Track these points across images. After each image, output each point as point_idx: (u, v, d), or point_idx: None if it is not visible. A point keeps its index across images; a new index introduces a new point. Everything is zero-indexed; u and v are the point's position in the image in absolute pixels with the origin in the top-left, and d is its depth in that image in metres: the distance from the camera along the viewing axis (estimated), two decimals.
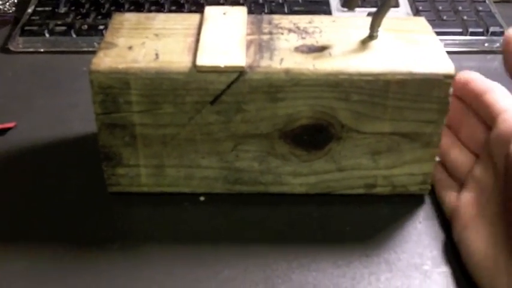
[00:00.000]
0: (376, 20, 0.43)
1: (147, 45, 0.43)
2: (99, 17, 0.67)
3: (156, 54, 0.42)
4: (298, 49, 0.43)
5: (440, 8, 0.69)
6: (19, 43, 0.65)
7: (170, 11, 0.67)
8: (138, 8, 0.68)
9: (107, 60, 0.41)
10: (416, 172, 0.45)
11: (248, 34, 0.44)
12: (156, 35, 0.44)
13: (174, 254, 0.42)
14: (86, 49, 0.64)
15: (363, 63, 0.41)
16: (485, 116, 0.42)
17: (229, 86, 0.41)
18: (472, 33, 0.65)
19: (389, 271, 0.41)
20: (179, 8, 0.68)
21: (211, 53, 0.41)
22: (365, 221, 0.45)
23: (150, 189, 0.46)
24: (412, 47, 0.43)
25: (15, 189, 0.47)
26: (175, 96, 0.41)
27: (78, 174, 0.48)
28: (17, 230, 0.44)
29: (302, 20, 0.46)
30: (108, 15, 0.66)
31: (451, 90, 0.41)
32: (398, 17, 0.48)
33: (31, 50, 0.65)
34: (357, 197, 0.46)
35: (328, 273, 0.41)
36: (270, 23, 0.46)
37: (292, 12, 0.67)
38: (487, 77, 0.61)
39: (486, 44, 0.65)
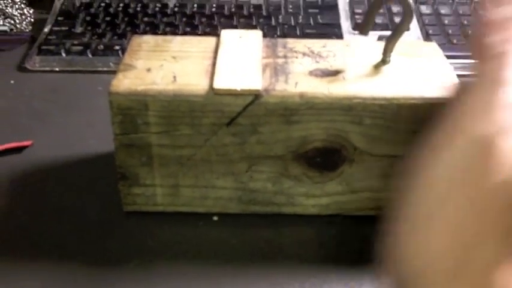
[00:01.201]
0: (389, 45, 0.44)
1: (165, 68, 0.44)
2: (115, 37, 0.68)
3: (174, 77, 0.43)
4: (312, 73, 0.43)
5: (450, 31, 0.70)
6: (36, 62, 0.66)
7: (185, 32, 0.68)
8: (153, 28, 0.69)
9: (126, 82, 0.42)
10: None
11: (264, 57, 0.45)
12: (174, 57, 0.45)
13: (189, 273, 0.43)
14: (101, 69, 0.65)
15: (376, 88, 0.42)
16: None
17: (245, 109, 0.41)
18: None
19: None
20: (193, 29, 0.69)
21: (228, 76, 0.42)
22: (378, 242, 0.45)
23: (165, 208, 0.46)
24: (423, 72, 0.44)
25: (31, 208, 0.48)
26: (192, 118, 0.42)
27: (94, 193, 0.49)
28: (32, 249, 0.45)
29: (316, 44, 0.47)
30: (123, 36, 0.68)
31: None
32: (410, 42, 0.49)
33: (47, 69, 0.66)
34: (368, 218, 0.47)
35: None
36: (284, 46, 0.47)
37: (304, 34, 0.68)
38: None
39: None
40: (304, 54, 0.46)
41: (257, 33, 0.48)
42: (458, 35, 0.69)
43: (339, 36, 0.69)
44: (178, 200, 0.46)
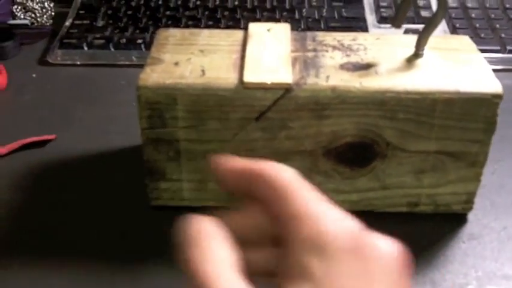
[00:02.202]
0: (422, 38, 0.43)
1: (193, 61, 0.43)
2: (137, 31, 0.67)
3: (203, 71, 0.42)
4: (343, 67, 0.43)
5: (477, 25, 0.68)
6: (58, 56, 0.66)
7: (207, 26, 0.67)
8: (175, 22, 0.68)
9: (154, 75, 0.41)
10: (461, 191, 0.44)
11: (293, 51, 0.44)
12: (202, 51, 0.44)
13: None
14: (123, 62, 0.65)
15: (409, 82, 0.41)
16: None
17: (275, 103, 0.41)
18: (510, 51, 0.65)
19: None
20: (216, 23, 0.68)
21: (257, 69, 0.41)
22: (408, 240, 0.44)
23: (192, 203, 0.46)
24: (458, 66, 0.43)
25: (55, 202, 0.48)
26: (220, 113, 0.41)
27: (118, 188, 0.49)
28: (55, 243, 0.44)
29: (346, 37, 0.46)
30: (146, 30, 0.67)
31: (498, 109, 0.41)
32: (443, 36, 0.48)
33: (69, 62, 0.65)
34: (399, 215, 0.46)
35: None
36: (313, 40, 0.46)
37: (328, 28, 0.67)
38: None
39: None
40: (334, 47, 0.45)
41: (285, 26, 0.47)
42: (485, 29, 0.68)
43: (364, 29, 0.68)
44: (205, 195, 0.45)
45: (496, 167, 0.50)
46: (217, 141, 0.43)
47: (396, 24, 0.43)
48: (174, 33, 0.47)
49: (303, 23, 0.68)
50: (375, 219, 0.45)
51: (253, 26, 0.47)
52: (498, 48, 0.65)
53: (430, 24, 0.42)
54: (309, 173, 0.44)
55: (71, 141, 0.54)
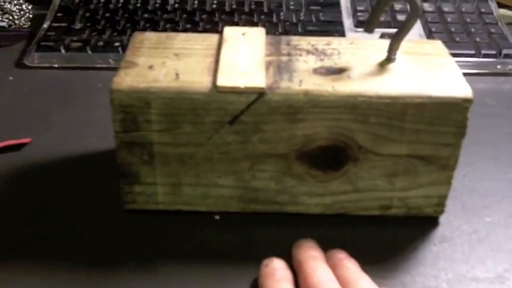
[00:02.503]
0: (394, 43, 0.43)
1: (168, 65, 0.43)
2: (115, 33, 0.67)
3: (177, 74, 0.42)
4: (316, 71, 0.43)
5: (453, 29, 0.69)
6: (35, 58, 0.65)
7: (185, 29, 0.68)
8: (154, 25, 0.68)
9: (128, 79, 0.41)
10: (432, 194, 0.45)
11: (267, 55, 0.44)
12: (176, 54, 0.44)
13: (189, 272, 0.42)
14: (101, 65, 0.64)
15: (381, 86, 0.41)
16: None
17: (248, 107, 0.41)
18: (485, 55, 0.66)
19: None
20: (194, 26, 0.68)
21: (231, 73, 0.42)
22: (380, 243, 0.45)
23: (166, 207, 0.46)
24: (429, 70, 0.43)
25: (29, 205, 0.47)
26: (194, 116, 0.41)
27: (93, 191, 0.49)
28: (31, 247, 0.44)
29: (320, 42, 0.47)
30: (123, 32, 0.67)
31: (468, 114, 0.41)
32: (415, 40, 0.48)
33: (46, 65, 0.65)
34: (371, 218, 0.46)
35: None
36: (288, 44, 0.46)
37: (306, 31, 0.68)
38: (500, 99, 0.62)
39: (499, 66, 0.66)
40: (308, 52, 0.45)
41: (260, 31, 0.47)
42: (460, 33, 0.69)
43: (341, 33, 0.68)
44: (179, 199, 0.45)
45: (468, 170, 0.51)
46: (191, 144, 0.43)
47: (369, 30, 0.44)
48: (149, 37, 0.47)
49: (281, 27, 0.68)
50: (347, 222, 0.46)
51: (228, 30, 0.47)
52: (473, 52, 0.66)
53: (402, 29, 0.42)
54: (283, 177, 0.44)
55: (47, 145, 0.54)
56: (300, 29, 0.68)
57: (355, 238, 0.45)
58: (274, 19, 0.70)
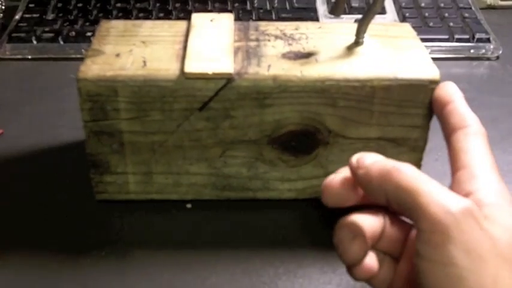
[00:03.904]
0: (361, 26, 0.43)
1: (135, 53, 0.43)
2: (87, 23, 0.66)
3: (144, 62, 0.42)
4: (285, 56, 0.43)
5: (426, 14, 0.69)
6: (6, 50, 0.65)
7: (158, 18, 0.67)
8: (126, 14, 0.68)
9: (94, 67, 0.41)
10: None
11: (235, 41, 0.44)
12: (144, 42, 0.44)
13: (162, 261, 0.42)
14: (73, 56, 0.64)
15: (349, 70, 0.41)
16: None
17: (217, 93, 0.41)
18: (458, 40, 0.66)
19: None
20: (167, 15, 0.68)
21: (199, 60, 0.41)
22: None
23: (137, 196, 0.46)
24: (397, 53, 0.43)
25: (1, 197, 0.47)
26: (163, 103, 0.41)
27: (65, 182, 0.48)
28: (1, 239, 0.44)
29: (288, 27, 0.46)
30: (96, 22, 0.66)
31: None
32: (384, 23, 0.48)
33: (18, 56, 0.64)
34: None
35: (314, 280, 0.41)
36: (256, 29, 0.46)
37: (280, 19, 0.67)
38: (473, 83, 0.62)
39: (472, 51, 0.66)
40: (276, 37, 0.45)
41: (229, 17, 0.47)
42: (434, 18, 0.69)
43: (315, 20, 0.68)
44: (151, 188, 0.45)
45: (440, 154, 0.51)
46: (161, 132, 0.43)
47: (336, 13, 0.44)
48: (116, 25, 0.46)
49: (254, 14, 0.68)
50: (320, 206, 0.46)
51: (196, 17, 0.47)
52: (447, 37, 0.66)
53: (369, 12, 0.42)
54: (255, 162, 0.44)
55: (19, 136, 0.54)
56: (273, 16, 0.68)
57: (327, 223, 0.45)
58: (248, 6, 0.69)
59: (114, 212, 0.46)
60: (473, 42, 0.66)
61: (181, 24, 0.46)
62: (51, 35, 0.65)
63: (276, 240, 0.44)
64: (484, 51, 0.66)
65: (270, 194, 0.46)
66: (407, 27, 0.47)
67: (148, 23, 0.47)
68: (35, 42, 0.64)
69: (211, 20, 0.46)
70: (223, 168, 0.44)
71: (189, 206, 0.46)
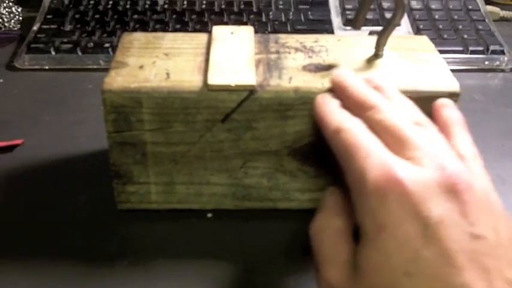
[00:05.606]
0: (381, 39, 0.44)
1: (158, 65, 0.43)
2: (105, 34, 0.67)
3: (167, 74, 0.42)
4: (305, 68, 0.43)
5: (440, 26, 0.70)
6: (25, 60, 0.65)
7: (175, 30, 0.68)
8: (143, 26, 0.68)
9: (119, 79, 0.42)
10: None
11: (256, 53, 0.45)
12: (166, 54, 0.45)
13: (183, 270, 0.43)
14: (91, 67, 0.65)
15: None
16: None
17: (239, 105, 0.41)
18: (472, 52, 0.67)
19: None
20: (184, 27, 0.68)
21: (221, 72, 0.42)
22: None
23: (159, 206, 0.46)
24: (416, 65, 0.44)
25: (23, 207, 0.48)
26: (186, 115, 0.42)
27: (86, 192, 0.49)
28: (24, 248, 0.44)
29: (308, 39, 0.47)
30: (113, 33, 0.67)
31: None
32: (402, 36, 0.49)
33: (37, 67, 0.65)
34: None
35: None
36: (276, 42, 0.47)
37: (295, 30, 0.68)
38: (488, 95, 0.63)
39: (486, 62, 0.66)
40: (296, 49, 0.46)
41: (249, 29, 0.48)
42: (448, 30, 0.70)
43: (330, 32, 0.69)
44: (172, 198, 0.46)
45: None
46: (183, 143, 0.43)
47: (356, 26, 0.44)
48: (138, 37, 0.47)
49: (270, 26, 0.69)
50: None
51: (217, 29, 0.47)
52: (461, 49, 0.67)
53: (389, 25, 0.43)
54: (275, 173, 0.45)
55: (39, 146, 0.54)
56: (289, 28, 0.69)
57: None
58: (264, 18, 0.70)
59: (136, 222, 0.46)
60: (487, 54, 0.67)
61: (202, 37, 0.47)
62: (69, 46, 0.66)
63: (296, 250, 0.44)
64: (498, 63, 0.66)
65: (290, 205, 0.46)
66: (425, 39, 0.48)
67: (169, 35, 0.47)
68: (53, 53, 0.65)
69: (231, 33, 0.47)
70: (243, 179, 0.45)
71: (209, 215, 0.47)
